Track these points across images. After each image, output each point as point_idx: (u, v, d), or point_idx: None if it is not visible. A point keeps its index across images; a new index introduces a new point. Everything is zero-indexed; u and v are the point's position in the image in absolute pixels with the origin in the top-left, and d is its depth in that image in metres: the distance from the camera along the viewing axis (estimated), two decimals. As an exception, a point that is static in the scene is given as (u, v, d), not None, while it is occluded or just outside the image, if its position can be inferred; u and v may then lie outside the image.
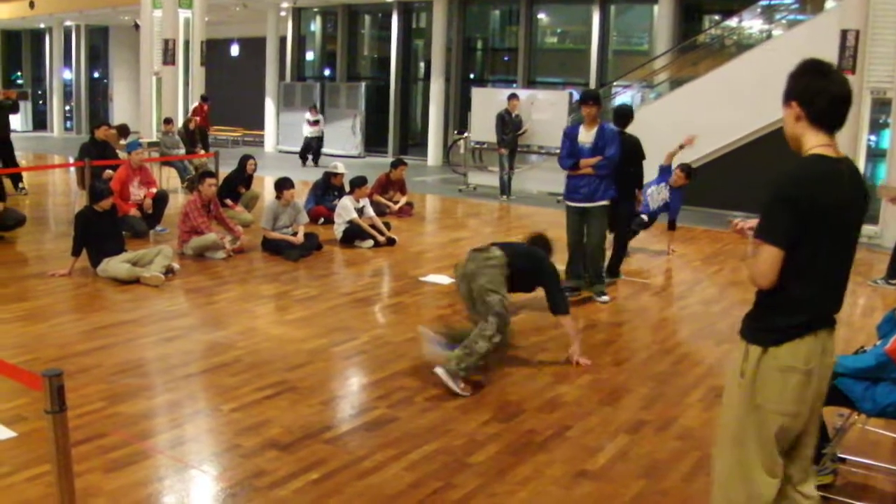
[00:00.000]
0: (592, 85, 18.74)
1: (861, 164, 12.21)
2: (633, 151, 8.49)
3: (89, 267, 8.42)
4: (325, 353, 6.37)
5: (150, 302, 7.67)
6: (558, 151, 8.37)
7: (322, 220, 11.66)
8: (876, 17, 12.33)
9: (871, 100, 12.50)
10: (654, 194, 10.31)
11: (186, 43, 20.41)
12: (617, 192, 8.08)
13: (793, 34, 14.27)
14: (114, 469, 4.31)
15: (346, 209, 10.57)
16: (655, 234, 10.81)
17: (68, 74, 30.80)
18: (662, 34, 17.74)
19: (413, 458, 4.59)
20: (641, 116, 9.40)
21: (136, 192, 10.75)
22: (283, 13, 24.48)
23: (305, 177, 15.77)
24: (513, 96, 15.65)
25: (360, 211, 10.65)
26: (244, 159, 12.24)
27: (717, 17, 18.35)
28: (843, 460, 4.51)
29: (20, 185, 14.18)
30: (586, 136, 7.89)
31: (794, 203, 2.83)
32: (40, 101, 32.45)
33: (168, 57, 19.30)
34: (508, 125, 15.30)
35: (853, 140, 11.94)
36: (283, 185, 10.01)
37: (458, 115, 21.08)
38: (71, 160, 16.08)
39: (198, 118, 18.83)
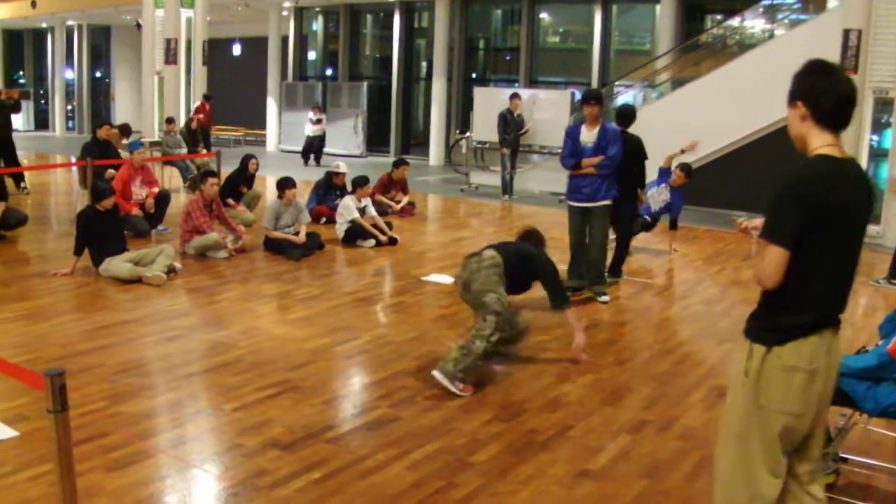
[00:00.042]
0: (594, 84, 18.73)
1: (863, 164, 12.19)
2: (635, 151, 8.48)
3: (91, 266, 8.43)
4: (326, 353, 6.37)
5: (151, 301, 7.67)
6: (560, 151, 8.36)
7: (324, 219, 11.66)
8: (878, 17, 12.32)
9: (873, 99, 12.49)
10: (655, 196, 10.31)
11: (188, 42, 20.43)
12: (619, 192, 8.07)
13: (795, 34, 14.26)
14: (115, 468, 4.31)
15: (347, 209, 10.57)
16: (657, 233, 10.81)
17: (70, 74, 30.82)
18: (664, 34, 17.74)
19: (415, 458, 4.59)
20: (643, 116, 9.40)
21: (138, 191, 10.75)
22: (284, 13, 24.48)
23: (307, 176, 15.77)
24: (515, 96, 15.65)
25: (362, 210, 10.65)
26: (246, 159, 12.24)
27: (719, 17, 18.34)
28: (845, 460, 4.50)
29: (22, 184, 14.18)
30: (588, 135, 7.88)
31: (800, 203, 2.82)
32: (42, 101, 32.47)
33: (170, 56, 19.32)
34: (510, 125, 15.30)
35: (855, 140, 11.93)
36: (284, 184, 10.01)
37: (460, 115, 21.08)
38: (73, 160, 16.11)
39: (201, 115, 18.85)
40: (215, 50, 23.10)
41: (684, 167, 10.26)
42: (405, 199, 13.27)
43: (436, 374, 5.62)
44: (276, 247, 9.81)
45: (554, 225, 11.11)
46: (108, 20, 29.30)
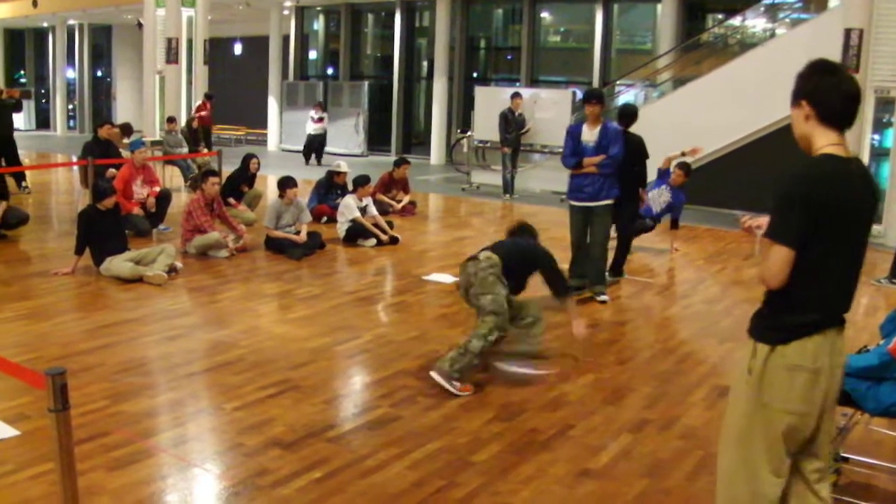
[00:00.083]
0: (595, 84, 18.73)
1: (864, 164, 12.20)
2: (636, 150, 8.48)
3: (92, 266, 8.43)
4: (327, 352, 6.37)
5: (152, 301, 7.68)
6: (561, 150, 8.35)
7: (325, 218, 11.66)
8: (880, 16, 12.31)
9: (874, 99, 12.48)
10: (657, 198, 10.29)
11: (190, 42, 20.43)
12: (620, 192, 8.06)
13: (796, 33, 14.26)
14: (117, 467, 4.31)
15: (348, 208, 10.57)
16: (658, 232, 10.80)
17: (71, 73, 30.83)
18: (666, 33, 17.74)
19: (416, 457, 4.59)
20: (644, 115, 9.40)
21: (140, 190, 10.75)
22: (286, 12, 24.48)
23: (308, 175, 15.76)
24: (516, 95, 15.64)
25: (363, 210, 10.65)
26: (247, 158, 12.24)
27: (720, 16, 18.34)
28: (846, 459, 4.50)
29: (23, 183, 14.18)
30: (590, 134, 7.88)
31: (805, 202, 2.82)
32: (43, 100, 32.46)
33: (171, 56, 19.32)
34: (511, 124, 15.29)
35: (857, 139, 11.92)
36: (286, 183, 10.01)
37: (462, 114, 21.08)
38: (74, 159, 16.11)
39: (203, 114, 18.85)
40: (216, 49, 23.10)
41: (682, 165, 10.26)
42: (406, 199, 13.27)
43: (433, 374, 5.63)
44: (277, 246, 9.81)
45: (555, 224, 11.11)
46: (109, 19, 29.31)
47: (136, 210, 10.53)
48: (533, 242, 6.37)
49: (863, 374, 4.11)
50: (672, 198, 10.28)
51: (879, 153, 13.25)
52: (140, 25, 22.34)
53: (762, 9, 16.35)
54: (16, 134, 14.54)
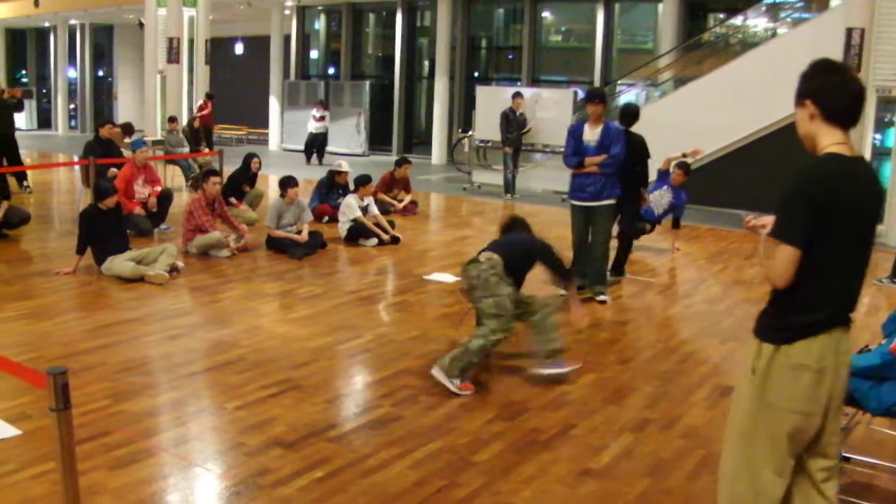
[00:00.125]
0: (597, 83, 18.73)
1: (866, 163, 12.19)
2: (638, 150, 8.47)
3: (94, 265, 8.43)
4: (329, 352, 6.37)
5: (154, 300, 7.68)
6: (563, 150, 8.35)
7: (326, 218, 11.66)
8: (881, 16, 12.31)
9: (876, 98, 12.48)
10: (658, 199, 10.27)
11: (191, 41, 20.43)
12: (622, 191, 8.06)
13: (798, 32, 14.26)
14: (118, 467, 4.32)
15: (350, 207, 10.57)
16: (660, 232, 10.80)
17: (73, 73, 30.83)
18: (667, 32, 17.73)
19: (417, 457, 4.58)
20: (646, 115, 9.40)
21: (141, 190, 10.75)
22: (287, 11, 24.49)
23: (310, 175, 15.77)
24: (517, 95, 15.64)
25: (365, 209, 10.65)
26: (248, 158, 12.24)
27: (721, 16, 18.33)
28: (847, 459, 4.49)
29: (25, 183, 14.19)
30: (591, 134, 7.87)
31: (810, 201, 2.82)
32: (45, 100, 32.47)
33: (172, 55, 19.31)
34: (513, 123, 15.28)
35: (858, 139, 11.91)
36: (287, 183, 10.01)
37: (463, 114, 21.06)
38: (75, 158, 16.11)
39: (204, 113, 18.84)
40: (218, 49, 23.10)
41: (682, 165, 10.25)
42: (407, 198, 13.26)
43: (434, 371, 5.65)
44: (278, 246, 9.81)
45: (556, 224, 11.10)
46: (110, 19, 29.32)
47: (138, 210, 10.53)
48: (528, 236, 6.38)
49: (864, 374, 4.11)
50: (674, 198, 10.28)
51: (881, 152, 13.26)
52: (141, 25, 22.33)
53: (763, 8, 16.35)
54: (17, 133, 14.53)
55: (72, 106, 30.91)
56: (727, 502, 3.19)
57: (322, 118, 21.13)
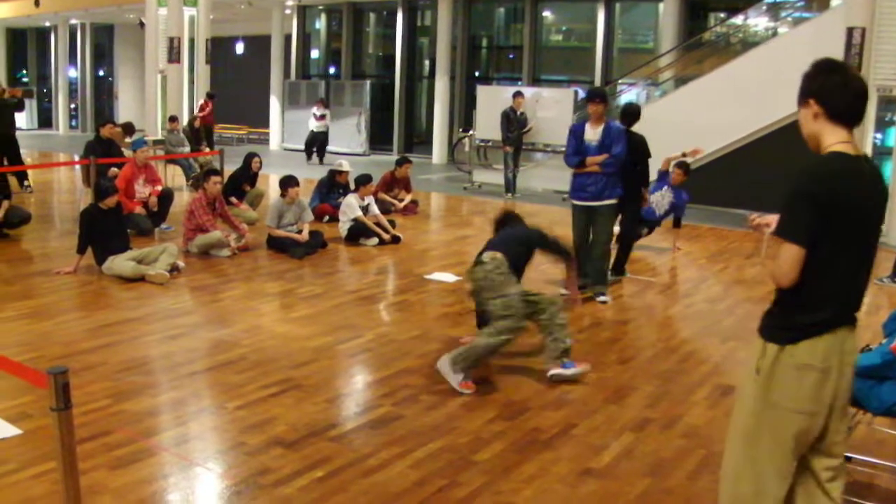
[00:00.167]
0: (597, 83, 18.72)
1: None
2: (639, 150, 8.47)
3: (94, 265, 8.43)
4: (330, 351, 6.37)
5: (154, 300, 7.68)
6: (563, 149, 8.35)
7: (327, 217, 11.66)
8: (882, 15, 12.30)
9: (877, 98, 12.47)
10: (659, 200, 10.26)
11: (191, 41, 20.42)
12: (623, 191, 8.05)
13: (798, 32, 14.26)
14: (119, 466, 4.32)
15: (350, 207, 10.56)
16: (661, 231, 10.80)
17: (73, 72, 30.84)
18: (668, 32, 17.73)
19: (418, 456, 4.58)
20: (647, 114, 9.39)
21: (142, 189, 10.76)
22: (287, 11, 24.48)
23: (310, 175, 15.77)
24: (518, 94, 15.64)
25: (365, 209, 10.65)
26: (249, 157, 12.24)
27: (722, 15, 18.33)
28: (848, 459, 4.49)
29: (25, 182, 14.19)
30: (592, 133, 7.87)
31: (814, 200, 2.82)
32: (45, 99, 32.50)
33: (173, 55, 19.31)
34: (513, 123, 15.28)
35: (859, 138, 11.91)
36: (287, 182, 10.01)
37: (463, 113, 21.06)
38: (76, 158, 16.12)
39: (205, 113, 18.84)
40: (218, 48, 23.12)
41: (681, 164, 10.24)
42: (408, 198, 13.26)
43: (439, 365, 5.66)
44: (279, 245, 9.81)
45: (557, 223, 11.09)
46: (111, 19, 29.33)
47: (139, 209, 10.54)
48: (523, 228, 6.43)
49: (865, 373, 4.10)
50: (675, 198, 10.27)
51: (882, 152, 13.25)
52: (142, 25, 22.33)
53: (764, 7, 16.35)
54: (18, 133, 14.53)
55: (72, 105, 30.93)
56: (729, 502, 3.19)
57: (323, 117, 21.12)
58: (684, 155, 10.20)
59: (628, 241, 9.09)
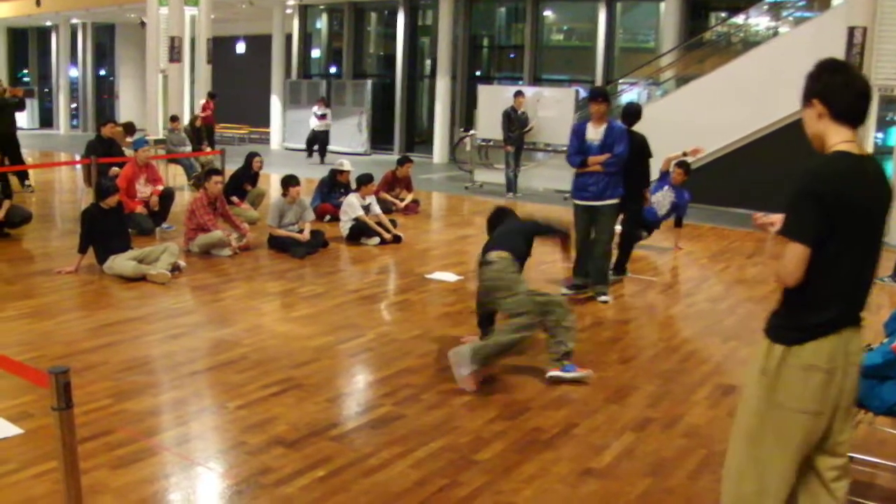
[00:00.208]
0: (598, 82, 18.72)
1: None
2: (640, 149, 8.47)
3: (95, 264, 8.44)
4: (331, 351, 6.37)
5: (156, 299, 7.68)
6: (564, 149, 8.35)
7: (328, 217, 11.66)
8: (883, 14, 12.31)
9: (878, 97, 12.47)
10: (661, 200, 10.25)
11: (193, 40, 20.47)
12: (625, 191, 8.05)
13: (799, 31, 14.26)
14: (120, 466, 4.32)
15: (352, 206, 10.56)
16: (663, 231, 10.79)
17: (74, 72, 30.87)
18: (669, 31, 17.73)
19: (419, 456, 4.58)
20: (648, 114, 9.39)
21: (143, 189, 10.76)
22: (289, 10, 24.48)
23: (311, 174, 15.77)
24: (519, 93, 15.63)
25: (367, 208, 10.65)
26: (250, 157, 12.24)
27: (723, 15, 18.32)
28: (850, 458, 4.49)
29: (26, 182, 14.20)
30: (595, 133, 7.86)
31: (820, 200, 2.82)
32: (46, 99, 32.53)
33: (174, 54, 19.32)
34: (514, 122, 15.28)
35: (860, 137, 11.91)
36: (289, 182, 10.01)
37: (464, 113, 21.06)
38: (77, 157, 16.12)
39: (207, 113, 18.86)
40: (219, 48, 23.11)
41: (681, 164, 10.24)
42: (409, 197, 13.27)
43: (451, 353, 5.66)
44: (280, 245, 9.81)
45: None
46: (112, 18, 29.34)
47: (140, 209, 10.54)
48: (517, 222, 6.49)
49: (867, 373, 4.10)
50: (676, 197, 10.27)
51: (883, 151, 13.25)
52: (143, 24, 22.36)
53: (765, 7, 16.34)
54: (19, 133, 14.54)
55: (73, 105, 30.95)
56: (732, 502, 3.18)
57: (324, 116, 21.11)
58: (685, 154, 10.19)
59: (629, 240, 9.09)
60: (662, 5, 18.23)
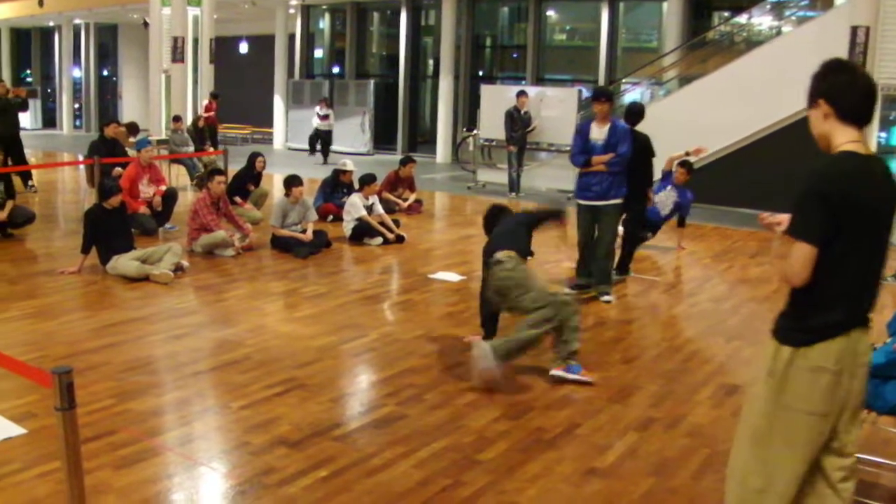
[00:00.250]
0: (601, 82, 18.71)
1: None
2: (643, 149, 8.47)
3: (98, 264, 8.44)
4: (333, 351, 6.37)
5: (159, 299, 7.68)
6: (567, 149, 8.35)
7: (331, 217, 11.67)
8: (886, 13, 12.30)
9: (881, 96, 12.45)
10: (664, 200, 10.24)
11: (195, 40, 20.46)
12: (628, 191, 8.04)
13: (802, 31, 14.24)
14: (123, 466, 4.32)
15: (355, 206, 10.57)
16: (665, 231, 10.78)
17: (77, 72, 30.88)
18: (671, 31, 17.71)
19: (422, 456, 4.58)
20: (650, 113, 9.39)
21: (146, 189, 10.77)
22: (291, 10, 24.50)
23: (314, 174, 15.77)
24: (521, 93, 15.63)
25: (370, 208, 10.65)
26: (253, 157, 12.26)
27: (726, 14, 18.31)
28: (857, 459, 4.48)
29: (30, 182, 14.21)
30: (598, 132, 7.86)
31: (826, 200, 2.82)
32: (49, 99, 32.55)
33: (177, 55, 19.33)
34: (517, 122, 15.28)
35: (865, 137, 11.91)
36: (291, 182, 10.02)
37: (467, 113, 21.07)
38: (80, 158, 16.13)
39: (211, 114, 18.87)
40: (222, 48, 23.10)
41: (684, 163, 10.22)
42: (412, 197, 13.27)
43: (474, 349, 5.67)
44: (283, 245, 9.81)
45: (561, 222, 11.11)
46: (115, 18, 29.37)
47: (143, 209, 10.55)
48: (513, 218, 6.51)
49: (870, 373, 4.10)
50: (679, 197, 10.26)
51: (886, 151, 13.24)
52: (146, 24, 22.37)
53: (768, 6, 16.34)
54: (22, 133, 14.55)
55: (76, 105, 30.96)
56: (737, 501, 3.18)
57: (326, 117, 21.13)
58: (688, 154, 10.18)
59: (633, 240, 9.08)
60: (665, 5, 18.22)
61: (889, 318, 4.60)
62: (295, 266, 9.20)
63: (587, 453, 4.71)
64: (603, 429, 5.08)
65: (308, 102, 23.19)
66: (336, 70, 25.06)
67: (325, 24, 25.42)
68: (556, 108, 16.00)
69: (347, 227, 10.59)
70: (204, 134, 17.99)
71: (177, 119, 16.93)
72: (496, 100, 16.60)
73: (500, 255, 5.94)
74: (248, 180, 12.19)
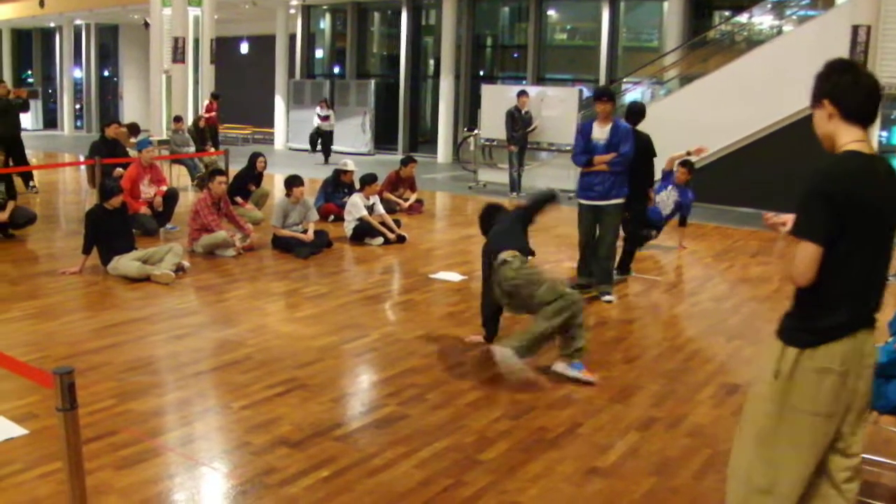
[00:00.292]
0: (602, 81, 18.71)
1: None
2: (645, 149, 8.47)
3: (100, 265, 8.44)
4: (335, 351, 6.37)
5: (160, 300, 7.69)
6: (568, 148, 8.35)
7: (332, 217, 11.67)
8: (887, 13, 12.30)
9: (882, 95, 12.45)
10: (665, 199, 10.24)
11: (196, 41, 20.47)
12: (629, 190, 8.04)
13: (803, 30, 14.23)
14: (124, 466, 4.32)
15: (356, 206, 10.57)
16: (667, 230, 10.77)
17: (78, 73, 30.88)
18: (672, 30, 17.71)
19: (423, 456, 4.58)
20: (651, 113, 9.39)
21: (147, 190, 10.77)
22: (292, 11, 24.50)
23: (315, 174, 15.77)
24: (522, 93, 15.62)
25: (371, 208, 10.65)
26: (254, 157, 12.26)
27: (727, 13, 18.31)
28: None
29: (31, 183, 14.22)
30: (600, 132, 7.85)
31: (830, 199, 2.81)
32: (51, 100, 32.56)
33: (178, 55, 19.35)
34: (518, 122, 15.27)
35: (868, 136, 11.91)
36: (292, 182, 10.02)
37: (468, 113, 21.06)
38: (81, 158, 16.13)
39: (212, 114, 18.87)
40: (223, 48, 23.10)
41: (685, 163, 10.22)
42: (413, 197, 13.27)
43: (497, 357, 5.70)
44: (284, 245, 9.81)
45: (563, 222, 11.17)
46: (115, 19, 29.38)
47: (144, 209, 10.55)
48: (508, 216, 6.53)
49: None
50: (680, 197, 10.25)
51: (887, 150, 13.24)
52: (146, 25, 22.38)
53: (769, 6, 16.33)
54: (23, 134, 14.56)
55: (77, 106, 30.97)
56: (739, 501, 3.17)
57: (326, 117, 21.14)
58: (689, 153, 10.18)
59: (634, 240, 9.08)
60: (666, 4, 18.22)
61: (891, 317, 4.58)
62: (296, 266, 9.20)
63: (589, 453, 4.71)
64: (604, 428, 5.08)
65: (309, 102, 23.21)
66: (337, 70, 25.07)
67: (325, 24, 25.44)
68: (556, 108, 16.00)
69: (348, 227, 10.59)
70: (205, 134, 17.99)
71: (178, 119, 16.94)
72: (497, 99, 16.59)
73: (504, 255, 5.94)
74: (249, 180, 12.19)
